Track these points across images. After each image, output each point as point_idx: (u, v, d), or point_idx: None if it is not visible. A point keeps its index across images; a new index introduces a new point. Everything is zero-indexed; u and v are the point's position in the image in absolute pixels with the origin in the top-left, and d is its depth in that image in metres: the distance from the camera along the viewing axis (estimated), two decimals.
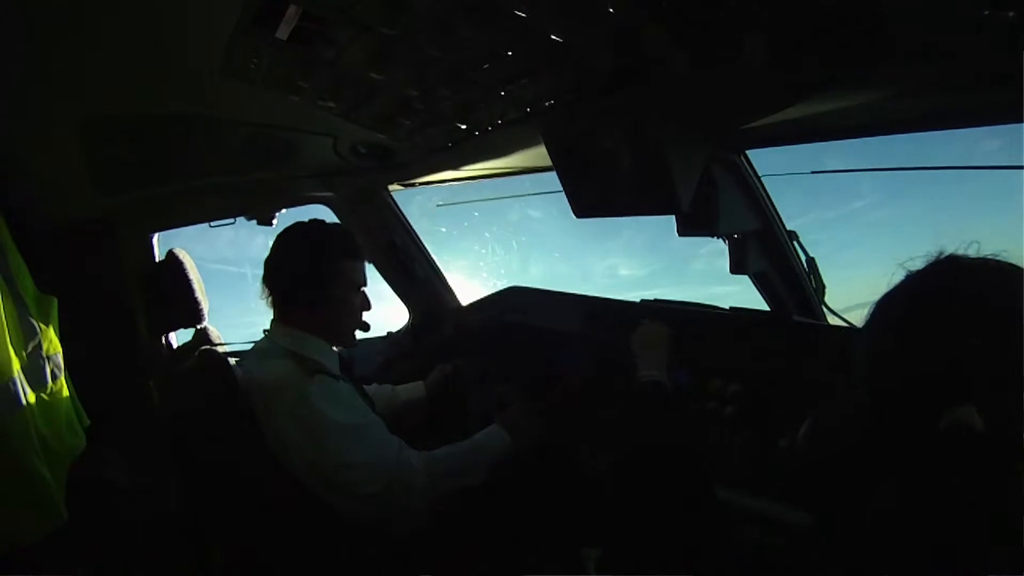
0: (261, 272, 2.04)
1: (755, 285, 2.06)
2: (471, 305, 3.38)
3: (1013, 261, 0.88)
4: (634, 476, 1.49)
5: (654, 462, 1.45)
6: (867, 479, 0.88)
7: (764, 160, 1.90)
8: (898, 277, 0.95)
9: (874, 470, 0.88)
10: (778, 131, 1.74)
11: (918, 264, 0.94)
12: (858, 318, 1.92)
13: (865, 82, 1.28)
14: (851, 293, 2.02)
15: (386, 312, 3.56)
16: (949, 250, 0.92)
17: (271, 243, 2.05)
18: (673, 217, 1.90)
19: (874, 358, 0.94)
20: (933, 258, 0.92)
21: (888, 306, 0.95)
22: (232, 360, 2.02)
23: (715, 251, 2.05)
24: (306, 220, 2.09)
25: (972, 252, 0.91)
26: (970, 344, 0.81)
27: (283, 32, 1.38)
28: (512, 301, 3.05)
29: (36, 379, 1.78)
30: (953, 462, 0.77)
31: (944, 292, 0.88)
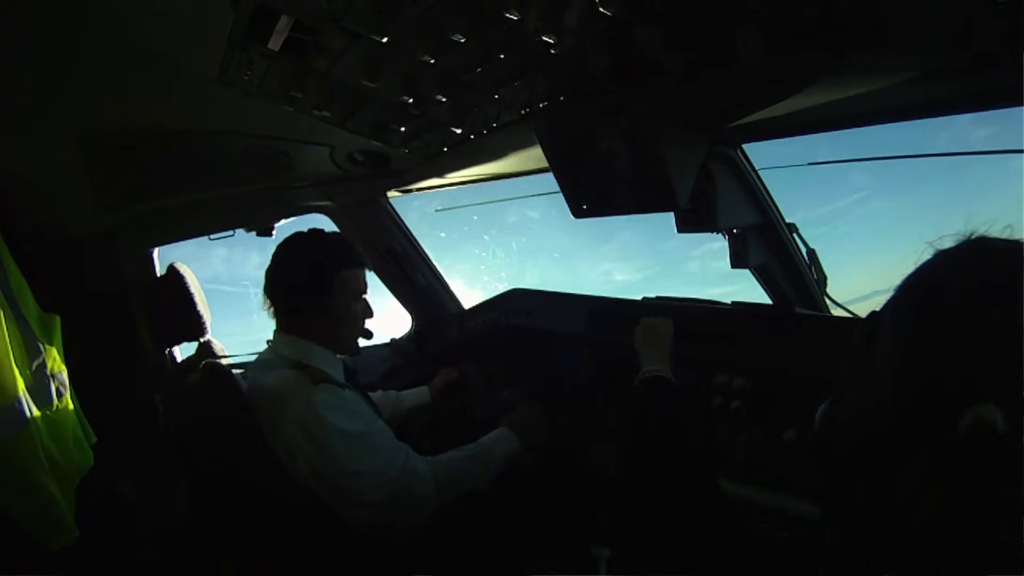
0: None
1: (756, 278, 2.05)
2: (473, 309, 3.38)
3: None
4: (641, 473, 1.49)
5: (660, 459, 1.45)
6: (886, 467, 0.86)
7: (761, 154, 1.91)
8: (926, 256, 0.90)
9: (894, 459, 0.85)
10: (775, 124, 1.74)
11: (947, 243, 0.89)
12: (859, 310, 1.92)
13: (859, 73, 1.28)
14: (850, 286, 2.02)
15: (388, 319, 3.58)
16: (977, 232, 0.87)
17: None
18: (666, 219, 1.90)
19: (903, 344, 0.88)
20: (963, 238, 0.88)
21: (919, 288, 0.90)
22: (236, 372, 2.02)
23: (709, 252, 2.06)
24: (305, 230, 2.10)
25: (1005, 235, 0.86)
26: (1001, 337, 0.77)
27: (275, 43, 1.39)
28: (514, 303, 3.04)
29: (41, 397, 1.79)
30: (971, 461, 0.74)
31: (978, 280, 0.83)
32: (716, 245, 2.00)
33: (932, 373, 0.82)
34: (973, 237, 0.87)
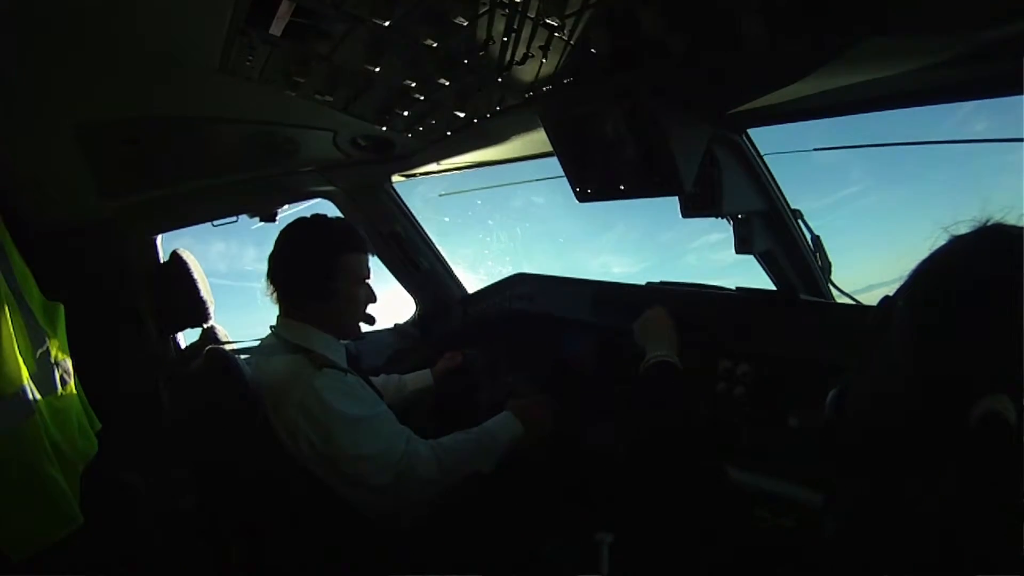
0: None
1: (761, 265, 2.04)
2: (477, 293, 3.38)
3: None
4: (646, 458, 1.49)
5: (666, 443, 1.45)
6: (896, 457, 0.86)
7: (766, 139, 1.90)
8: (941, 242, 0.88)
9: (904, 449, 0.84)
10: (779, 110, 1.73)
11: (962, 229, 0.87)
12: (863, 300, 1.92)
13: (863, 60, 1.26)
14: (845, 280, 2.02)
15: (392, 304, 3.58)
16: (993, 218, 0.86)
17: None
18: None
19: (918, 330, 0.87)
20: (978, 224, 0.86)
21: (933, 274, 0.89)
22: (241, 357, 2.02)
23: (706, 245, 2.06)
24: (308, 215, 2.09)
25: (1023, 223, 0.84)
26: (1015, 326, 0.75)
27: (277, 28, 1.38)
28: (518, 288, 3.04)
29: (46, 385, 1.79)
30: (981, 454, 0.74)
31: (994, 267, 0.81)
32: (714, 237, 2.01)
33: (946, 361, 0.81)
34: (989, 224, 0.86)
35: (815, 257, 2.00)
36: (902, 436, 0.86)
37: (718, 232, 1.99)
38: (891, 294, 0.95)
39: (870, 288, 1.94)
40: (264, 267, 2.06)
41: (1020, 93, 1.27)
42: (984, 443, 0.73)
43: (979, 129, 1.54)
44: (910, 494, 0.79)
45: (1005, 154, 1.40)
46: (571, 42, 1.41)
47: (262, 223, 2.91)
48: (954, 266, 0.86)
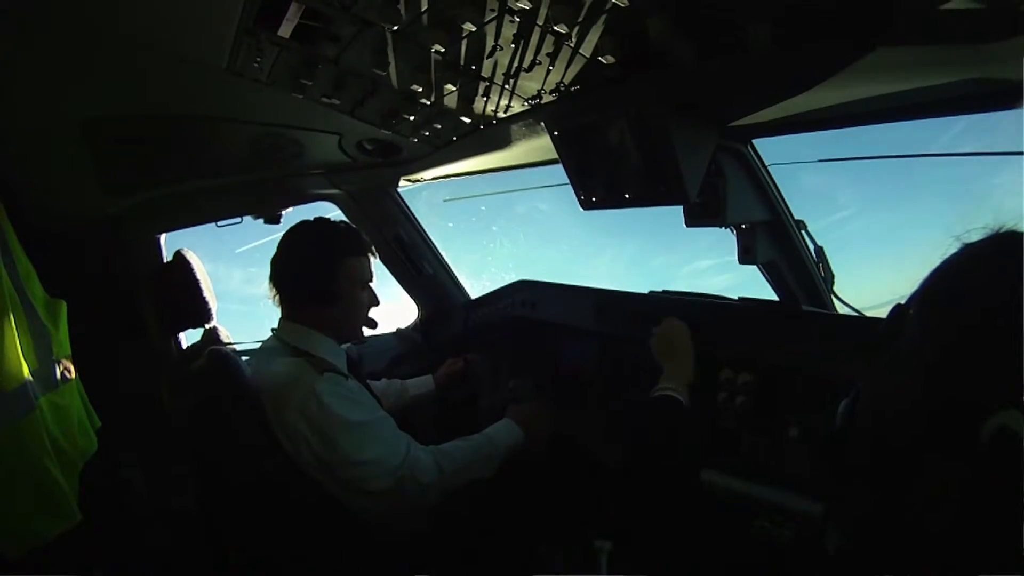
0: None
1: (764, 275, 2.04)
2: (480, 299, 3.37)
3: None
4: (643, 470, 1.49)
5: (662, 460, 1.45)
6: (904, 469, 0.85)
7: (770, 150, 1.90)
8: (953, 250, 0.87)
9: (914, 461, 0.84)
10: (785, 120, 1.73)
11: (974, 236, 0.86)
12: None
13: (870, 72, 1.26)
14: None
15: (395, 308, 3.58)
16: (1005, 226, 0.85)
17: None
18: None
19: (931, 338, 0.85)
20: (992, 232, 0.85)
21: (945, 282, 0.88)
22: (242, 359, 2.02)
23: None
24: (311, 218, 2.09)
25: None
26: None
27: (285, 30, 1.38)
28: (521, 295, 3.04)
29: (47, 382, 1.79)
30: (992, 469, 0.73)
31: (1005, 275, 0.78)
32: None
33: (958, 371, 0.80)
34: (1001, 231, 0.85)
35: (818, 268, 2.00)
36: (911, 448, 0.85)
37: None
38: (902, 302, 0.95)
39: (865, 311, 1.95)
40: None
41: (1019, 107, 1.27)
42: (996, 458, 0.72)
43: (968, 151, 1.56)
44: (916, 507, 0.79)
45: (996, 175, 1.40)
46: (579, 50, 1.41)
47: (266, 224, 2.91)
48: (966, 273, 0.85)
